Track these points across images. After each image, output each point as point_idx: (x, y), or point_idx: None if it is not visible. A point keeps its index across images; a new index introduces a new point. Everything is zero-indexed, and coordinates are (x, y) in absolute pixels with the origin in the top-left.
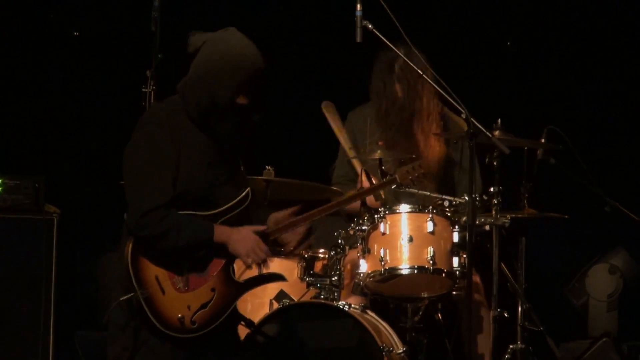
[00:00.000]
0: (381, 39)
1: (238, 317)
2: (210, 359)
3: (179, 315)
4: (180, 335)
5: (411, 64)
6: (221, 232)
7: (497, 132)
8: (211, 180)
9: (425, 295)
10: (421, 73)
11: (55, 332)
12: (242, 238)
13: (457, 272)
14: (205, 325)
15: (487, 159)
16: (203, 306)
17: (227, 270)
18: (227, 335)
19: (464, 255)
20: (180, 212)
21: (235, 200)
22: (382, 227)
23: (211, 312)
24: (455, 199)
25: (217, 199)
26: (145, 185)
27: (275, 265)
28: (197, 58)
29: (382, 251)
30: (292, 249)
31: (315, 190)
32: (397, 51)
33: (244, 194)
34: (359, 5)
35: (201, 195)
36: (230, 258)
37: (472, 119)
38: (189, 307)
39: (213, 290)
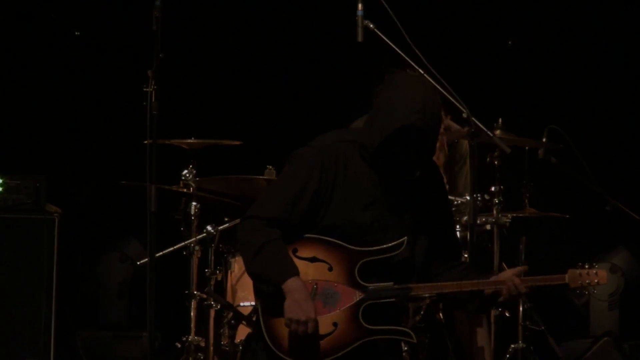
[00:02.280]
0: (382, 38)
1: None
2: None
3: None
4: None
5: (412, 63)
6: (292, 286)
7: (498, 132)
8: (369, 220)
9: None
10: (422, 72)
11: (56, 331)
12: (300, 306)
13: None
14: (318, 356)
15: (488, 159)
16: (321, 337)
17: (357, 309)
18: None
19: (465, 255)
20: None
21: (383, 247)
22: None
23: (327, 345)
24: (457, 198)
25: (370, 240)
26: (267, 196)
27: None
28: (382, 96)
29: None
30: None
31: None
32: (398, 51)
33: (396, 243)
34: (360, 5)
35: (352, 231)
36: (364, 299)
37: (473, 118)
38: (311, 336)
39: (335, 324)
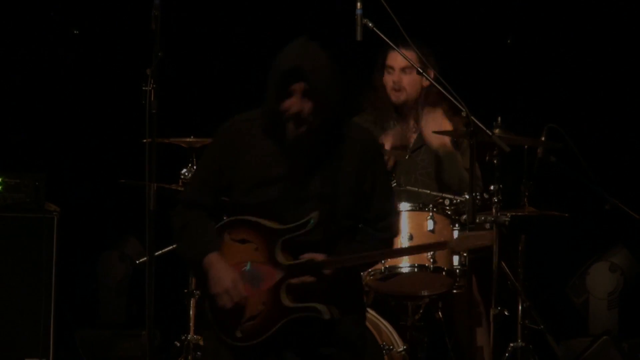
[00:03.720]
0: (381, 37)
1: (299, 337)
2: None
3: (231, 322)
4: (230, 342)
5: (411, 62)
6: (210, 262)
7: (497, 130)
8: (275, 195)
9: (426, 294)
10: (421, 72)
11: (55, 330)
12: (219, 278)
13: (457, 271)
14: (250, 338)
15: (487, 157)
16: (251, 318)
17: (278, 288)
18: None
19: (464, 254)
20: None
21: (297, 224)
22: None
23: (256, 326)
24: (456, 197)
25: (284, 216)
26: (188, 182)
27: None
28: None
29: None
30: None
31: None
32: (398, 50)
33: (308, 218)
34: (359, 4)
35: (263, 208)
36: (287, 276)
37: (472, 117)
38: (241, 316)
39: (263, 304)
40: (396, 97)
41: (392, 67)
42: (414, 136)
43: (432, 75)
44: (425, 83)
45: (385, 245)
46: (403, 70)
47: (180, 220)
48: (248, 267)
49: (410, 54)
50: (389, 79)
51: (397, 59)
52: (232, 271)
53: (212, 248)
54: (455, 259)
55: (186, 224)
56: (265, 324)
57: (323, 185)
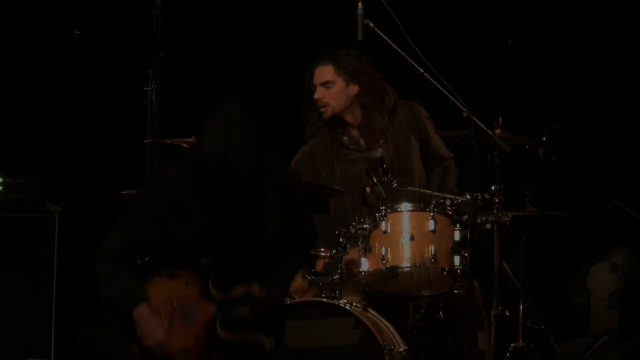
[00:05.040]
0: (382, 37)
1: None
2: None
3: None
4: None
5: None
6: (139, 315)
7: (498, 131)
8: (203, 235)
9: (427, 294)
10: (422, 72)
11: (57, 330)
12: (151, 332)
13: (459, 271)
14: None
15: (488, 157)
16: (184, 351)
17: (214, 321)
18: None
19: (465, 254)
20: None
21: (226, 257)
22: (383, 226)
23: (190, 358)
24: (457, 197)
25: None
26: (114, 229)
27: None
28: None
29: (383, 249)
30: None
31: (317, 189)
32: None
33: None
34: (360, 4)
35: (193, 247)
36: (220, 309)
37: (473, 117)
38: (170, 351)
39: (196, 337)
40: (324, 113)
41: (314, 85)
42: (362, 140)
43: (356, 90)
44: (353, 92)
45: (286, 278)
46: (323, 85)
47: (107, 270)
48: (175, 303)
49: (327, 68)
50: (315, 97)
51: (316, 75)
52: (161, 324)
53: (140, 300)
54: (457, 259)
55: (115, 274)
56: (199, 356)
57: (250, 224)
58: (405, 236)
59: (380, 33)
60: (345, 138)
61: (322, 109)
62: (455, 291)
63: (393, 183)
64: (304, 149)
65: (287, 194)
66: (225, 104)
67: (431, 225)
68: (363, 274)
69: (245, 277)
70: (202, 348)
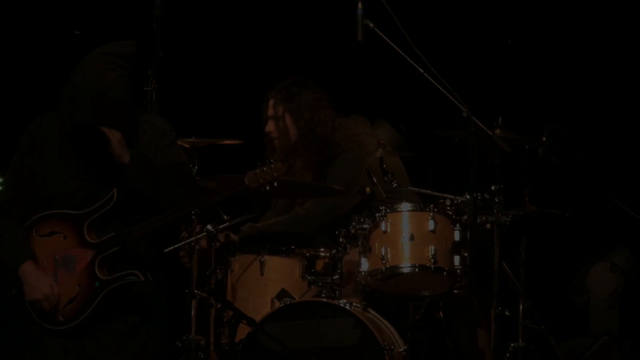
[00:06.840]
0: (382, 37)
1: (114, 309)
2: (88, 346)
3: (51, 310)
4: (52, 328)
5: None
6: (24, 271)
7: (498, 131)
8: (74, 184)
9: (427, 294)
10: (422, 72)
11: None
12: (36, 286)
13: (458, 271)
14: (72, 319)
15: (488, 157)
16: (70, 301)
17: (92, 265)
18: (104, 324)
19: (465, 254)
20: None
21: (98, 204)
22: (383, 226)
23: (77, 307)
24: (457, 197)
25: (83, 202)
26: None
27: (276, 264)
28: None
29: (383, 249)
30: None
31: (315, 189)
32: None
33: (107, 197)
34: (360, 4)
35: (66, 197)
36: (98, 253)
37: (473, 117)
38: (59, 302)
39: (79, 285)
40: (276, 144)
41: (266, 118)
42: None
43: (286, 119)
44: (292, 128)
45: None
46: (271, 118)
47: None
48: (57, 256)
49: (273, 101)
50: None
51: (266, 108)
52: (46, 277)
53: (25, 258)
54: (457, 259)
55: (5, 232)
56: (85, 302)
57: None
58: (405, 236)
59: (380, 33)
60: None
61: (273, 140)
62: (455, 291)
63: (393, 183)
64: None
65: (157, 141)
66: (100, 48)
67: (431, 225)
68: (363, 274)
69: (116, 220)
70: (86, 294)
